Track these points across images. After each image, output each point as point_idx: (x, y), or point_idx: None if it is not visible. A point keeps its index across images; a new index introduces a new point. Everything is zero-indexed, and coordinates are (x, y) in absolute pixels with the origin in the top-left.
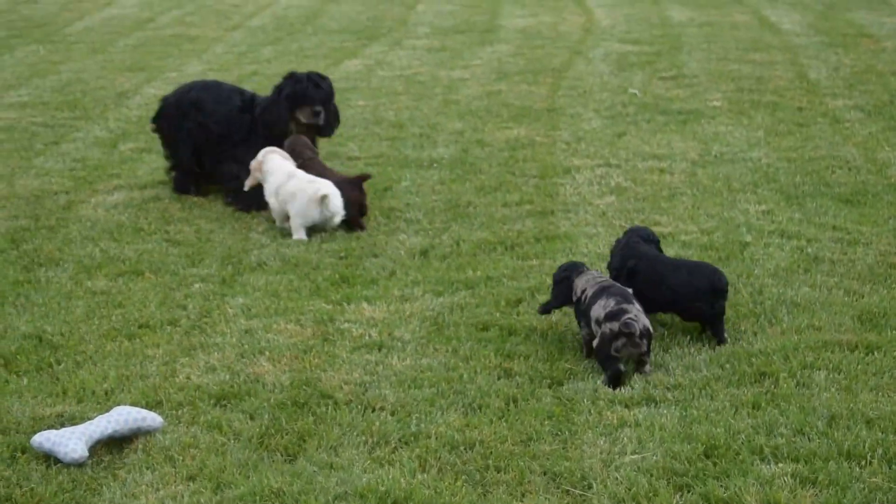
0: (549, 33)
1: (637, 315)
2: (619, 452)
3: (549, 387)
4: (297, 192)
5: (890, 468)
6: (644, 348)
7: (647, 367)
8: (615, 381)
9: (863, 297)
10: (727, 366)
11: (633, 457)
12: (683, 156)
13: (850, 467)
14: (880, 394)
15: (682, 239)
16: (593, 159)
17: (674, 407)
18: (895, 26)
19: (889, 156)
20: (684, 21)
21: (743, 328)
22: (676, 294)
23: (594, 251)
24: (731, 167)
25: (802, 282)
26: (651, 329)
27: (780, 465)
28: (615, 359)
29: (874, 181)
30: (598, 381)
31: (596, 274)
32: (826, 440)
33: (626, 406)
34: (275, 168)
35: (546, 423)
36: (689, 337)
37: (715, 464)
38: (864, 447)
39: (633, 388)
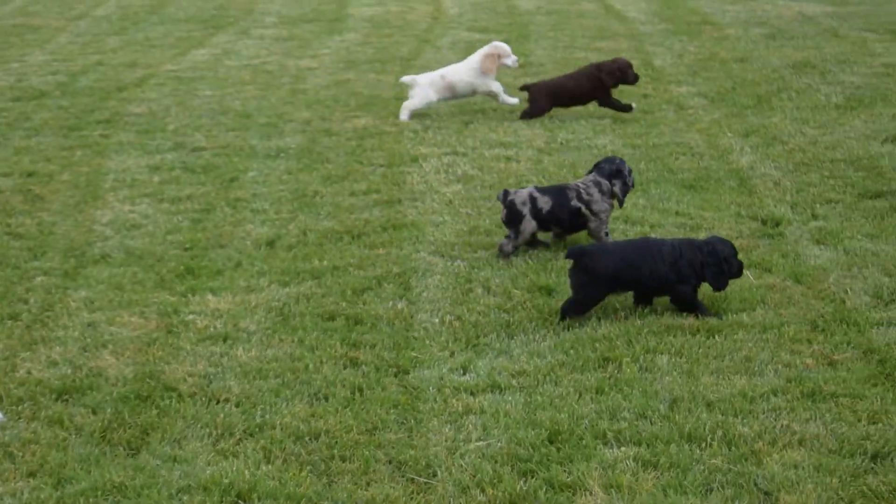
0: (397, 22)
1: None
2: (464, 440)
3: (395, 375)
4: None
5: (729, 450)
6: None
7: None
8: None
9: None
10: (571, 352)
11: (477, 444)
12: (530, 143)
13: (690, 449)
14: (720, 377)
15: None
16: (440, 148)
17: (518, 393)
18: (738, 14)
19: (731, 142)
20: (531, 9)
21: (587, 314)
22: None
23: (441, 239)
24: (576, 154)
25: None
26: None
27: (623, 448)
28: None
29: (717, 167)
30: (444, 369)
31: None
32: (668, 423)
33: (472, 393)
34: None
35: (392, 411)
36: (534, 324)
37: (559, 449)
38: (704, 429)
39: (478, 376)
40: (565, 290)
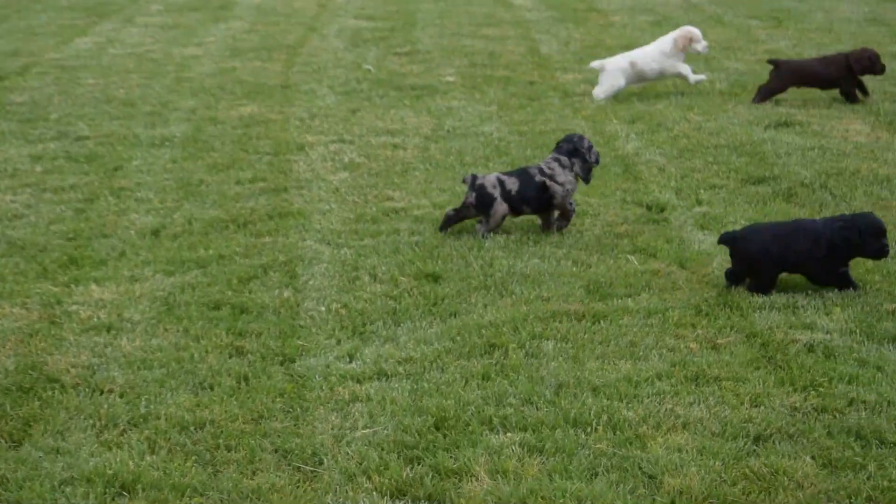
0: (283, 10)
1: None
2: (350, 427)
3: (282, 364)
4: None
5: (614, 434)
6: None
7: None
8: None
9: (590, 267)
10: (458, 338)
11: (364, 431)
12: (417, 131)
13: (576, 434)
14: (606, 362)
15: (414, 213)
16: (327, 135)
17: (405, 380)
18: (624, 1)
19: (617, 128)
20: None
21: (474, 300)
22: None
23: (327, 227)
24: (463, 141)
25: (532, 253)
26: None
27: (509, 434)
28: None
29: (602, 153)
30: (331, 357)
31: None
32: (553, 408)
33: (358, 381)
34: None
35: (278, 400)
36: (421, 311)
37: (445, 435)
38: (589, 414)
39: (364, 363)
40: (452, 277)
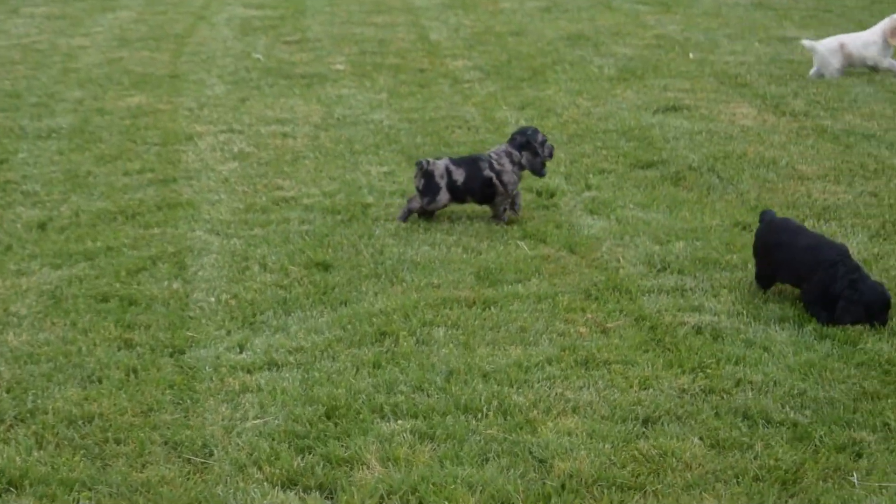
0: None
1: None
2: (240, 418)
3: (171, 356)
4: None
5: (505, 419)
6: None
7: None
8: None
9: (480, 253)
10: (349, 327)
11: (254, 422)
12: (306, 119)
13: (466, 420)
14: (496, 348)
15: (304, 202)
16: (216, 125)
17: (296, 370)
18: None
19: (506, 115)
20: None
21: (364, 289)
22: None
23: (217, 217)
24: (353, 129)
25: (423, 241)
26: (427, 169)
27: (400, 421)
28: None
29: (493, 140)
30: (221, 348)
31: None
32: (444, 395)
33: (249, 371)
34: None
35: (167, 392)
36: (311, 300)
37: (336, 424)
38: (480, 400)
39: (255, 353)
40: (343, 266)
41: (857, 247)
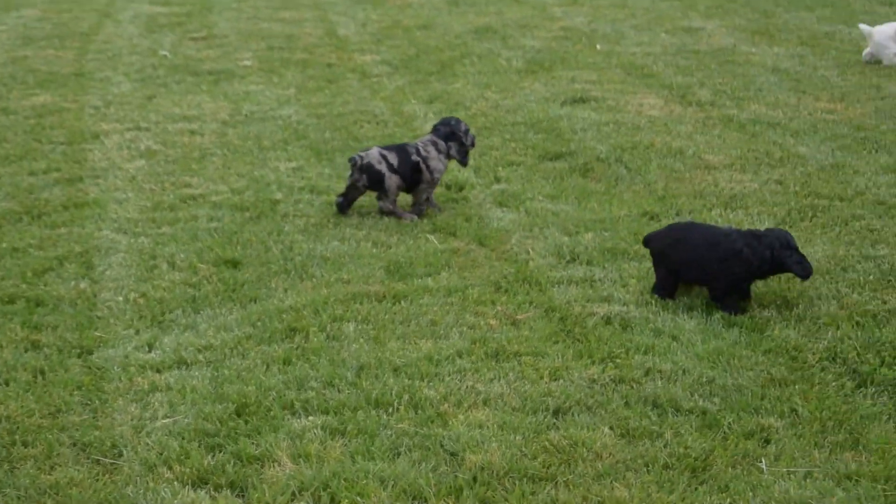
0: None
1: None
2: (150, 418)
3: (79, 356)
4: None
5: (416, 413)
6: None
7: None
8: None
9: (390, 248)
10: (259, 324)
11: (164, 421)
12: (214, 116)
13: (378, 415)
14: (407, 341)
15: (212, 200)
16: (123, 123)
17: (206, 368)
18: None
19: (415, 108)
20: None
21: (274, 285)
22: None
23: (124, 216)
24: (261, 126)
25: (332, 236)
26: (363, 163)
27: (311, 418)
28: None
29: (401, 134)
30: (129, 347)
31: None
32: (355, 390)
33: (158, 370)
34: None
35: (75, 393)
36: (220, 297)
37: (247, 422)
38: (391, 394)
39: (164, 352)
40: (252, 263)
41: None
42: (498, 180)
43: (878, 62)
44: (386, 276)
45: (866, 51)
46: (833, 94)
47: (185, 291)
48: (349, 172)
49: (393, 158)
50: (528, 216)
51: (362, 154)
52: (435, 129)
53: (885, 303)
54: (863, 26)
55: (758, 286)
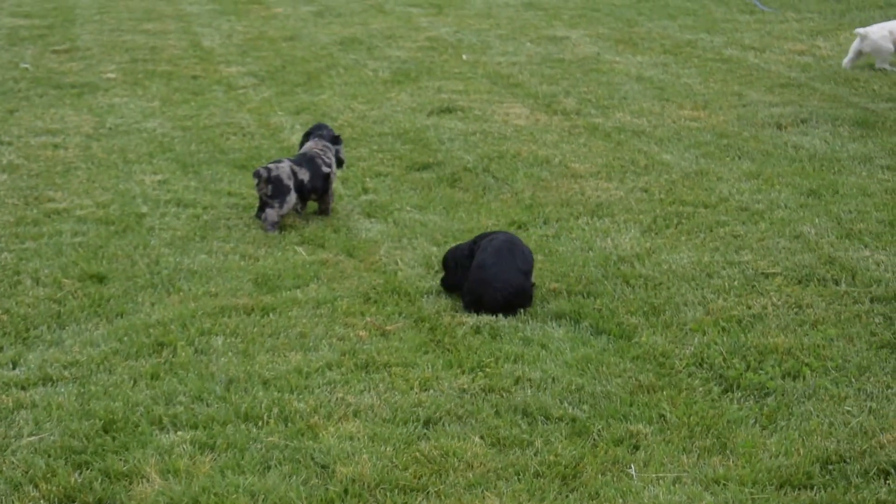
0: None
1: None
2: (15, 436)
3: None
4: None
5: (286, 426)
6: (266, 192)
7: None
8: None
9: (258, 260)
10: (125, 339)
11: (30, 439)
12: (78, 129)
13: (248, 429)
14: (276, 354)
15: (77, 214)
16: None
17: (72, 384)
18: None
19: (282, 120)
20: None
21: (141, 300)
22: None
23: None
24: (126, 139)
25: (199, 249)
26: (273, 175)
27: (180, 433)
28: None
29: (268, 146)
30: None
31: None
32: (224, 404)
33: (23, 388)
34: None
35: None
36: (86, 313)
37: (114, 438)
38: (261, 408)
39: (29, 369)
40: (118, 277)
41: (630, 242)
42: (366, 191)
43: (864, 66)
44: (254, 289)
45: (851, 55)
46: (696, 101)
47: (49, 307)
48: (256, 184)
49: (304, 174)
50: (396, 227)
51: (270, 166)
52: (317, 135)
53: (749, 308)
54: (859, 30)
55: (624, 293)
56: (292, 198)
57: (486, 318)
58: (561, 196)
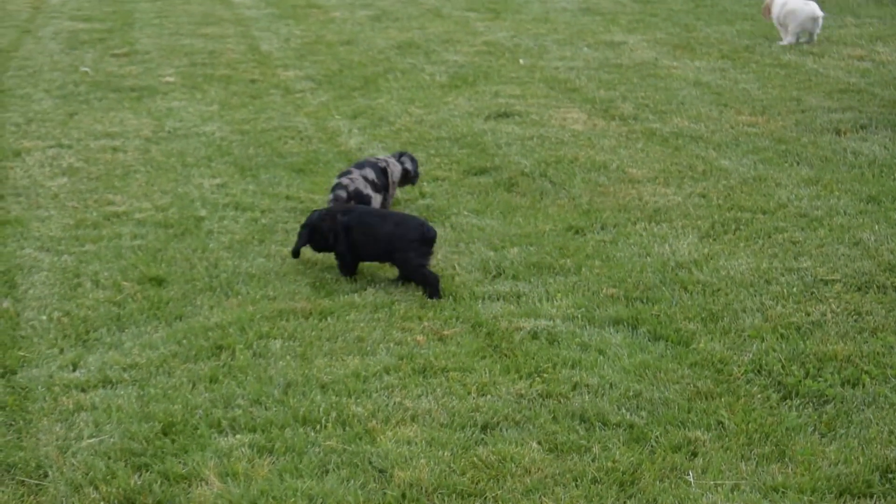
0: None
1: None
2: (75, 438)
3: (2, 376)
4: None
5: (344, 430)
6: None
7: None
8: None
9: (315, 264)
10: (184, 342)
11: (90, 441)
12: (137, 133)
13: (305, 433)
14: (334, 358)
15: (136, 217)
16: (45, 140)
17: (131, 387)
18: None
19: (339, 124)
20: None
21: (199, 303)
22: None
23: (47, 234)
24: (185, 142)
25: (257, 253)
26: (354, 190)
27: (238, 436)
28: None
29: (325, 150)
30: (54, 367)
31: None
32: (282, 408)
33: (83, 390)
34: None
35: None
36: (145, 315)
37: (173, 441)
38: (318, 412)
39: (89, 371)
40: (177, 280)
41: (688, 248)
42: (423, 195)
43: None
44: (312, 293)
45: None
46: (754, 107)
47: (109, 310)
48: (330, 198)
49: (373, 176)
50: (453, 231)
51: (345, 181)
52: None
53: (808, 315)
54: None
55: (682, 299)
56: (377, 201)
57: (543, 323)
58: (618, 201)
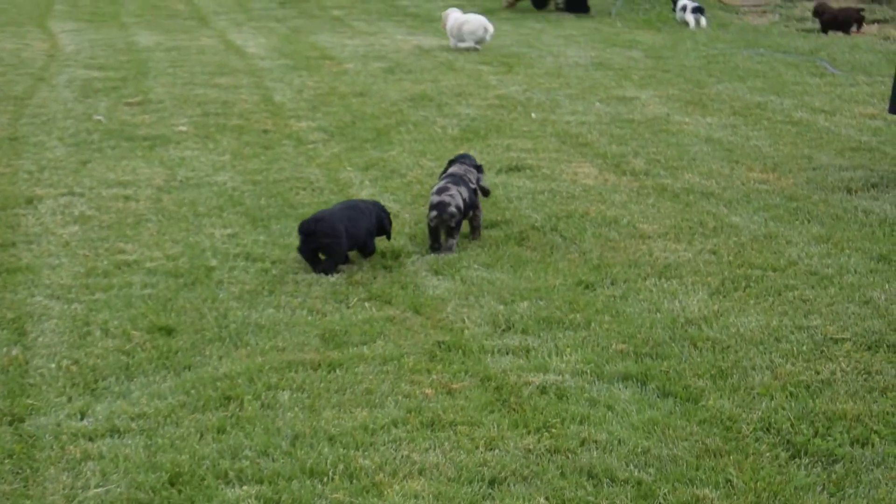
0: (11, 60)
1: (453, 194)
2: (82, 487)
3: (10, 424)
4: None
5: (351, 483)
6: (451, 223)
7: (451, 241)
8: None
9: (325, 315)
10: (193, 392)
11: (96, 490)
12: (149, 182)
13: (313, 485)
14: (342, 410)
15: (147, 266)
16: (57, 188)
17: (139, 436)
18: (356, 49)
19: (351, 175)
20: (151, 46)
21: (208, 353)
22: None
23: (57, 282)
24: (196, 192)
25: (267, 303)
26: (461, 208)
27: (245, 487)
28: (430, 228)
29: (336, 201)
30: (61, 415)
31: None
32: (290, 459)
33: (90, 439)
34: None
35: (6, 462)
36: (154, 365)
37: (180, 491)
38: (326, 464)
39: (97, 420)
40: (186, 330)
41: (698, 304)
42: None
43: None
44: (321, 345)
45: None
46: (766, 164)
47: (118, 359)
48: (436, 216)
49: (459, 190)
50: (463, 284)
51: (446, 198)
52: (462, 162)
53: (818, 373)
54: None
55: (691, 356)
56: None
57: (552, 378)
58: (629, 257)
